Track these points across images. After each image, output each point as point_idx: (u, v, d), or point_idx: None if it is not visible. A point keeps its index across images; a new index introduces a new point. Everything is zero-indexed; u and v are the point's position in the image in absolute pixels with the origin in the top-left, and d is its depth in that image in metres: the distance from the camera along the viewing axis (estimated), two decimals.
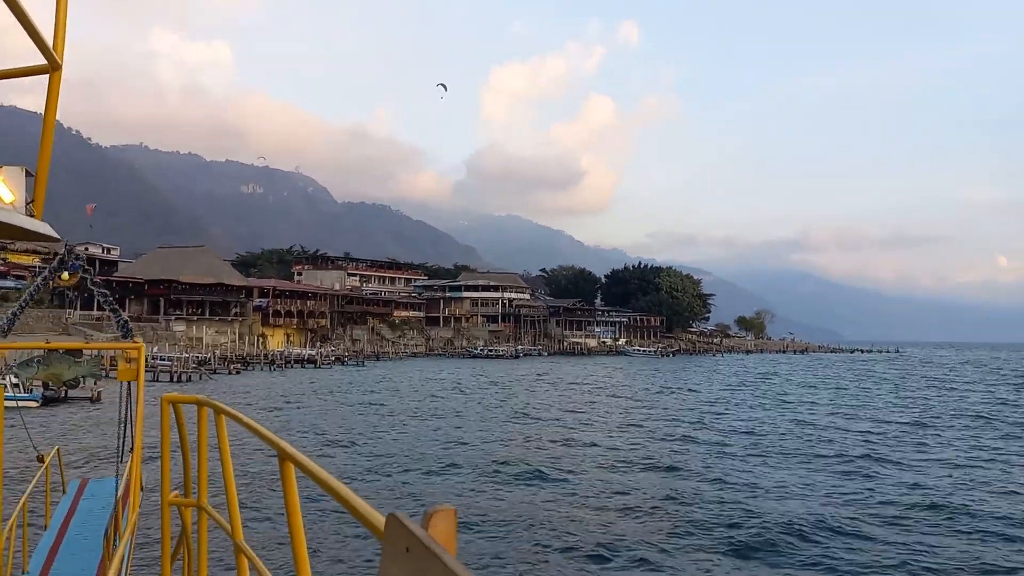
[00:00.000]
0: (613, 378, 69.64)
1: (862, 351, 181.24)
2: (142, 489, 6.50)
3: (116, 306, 8.30)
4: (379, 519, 1.37)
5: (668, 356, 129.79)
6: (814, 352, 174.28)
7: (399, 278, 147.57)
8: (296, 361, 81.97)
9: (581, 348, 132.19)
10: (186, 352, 69.35)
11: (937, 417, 38.22)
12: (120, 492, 6.23)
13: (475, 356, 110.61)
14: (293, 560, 2.30)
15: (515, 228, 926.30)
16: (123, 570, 5.10)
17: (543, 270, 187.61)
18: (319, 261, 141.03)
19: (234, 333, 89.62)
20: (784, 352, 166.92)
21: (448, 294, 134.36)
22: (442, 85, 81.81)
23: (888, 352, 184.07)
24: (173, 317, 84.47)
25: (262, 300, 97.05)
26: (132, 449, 6.45)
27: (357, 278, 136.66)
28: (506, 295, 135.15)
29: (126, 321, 8.30)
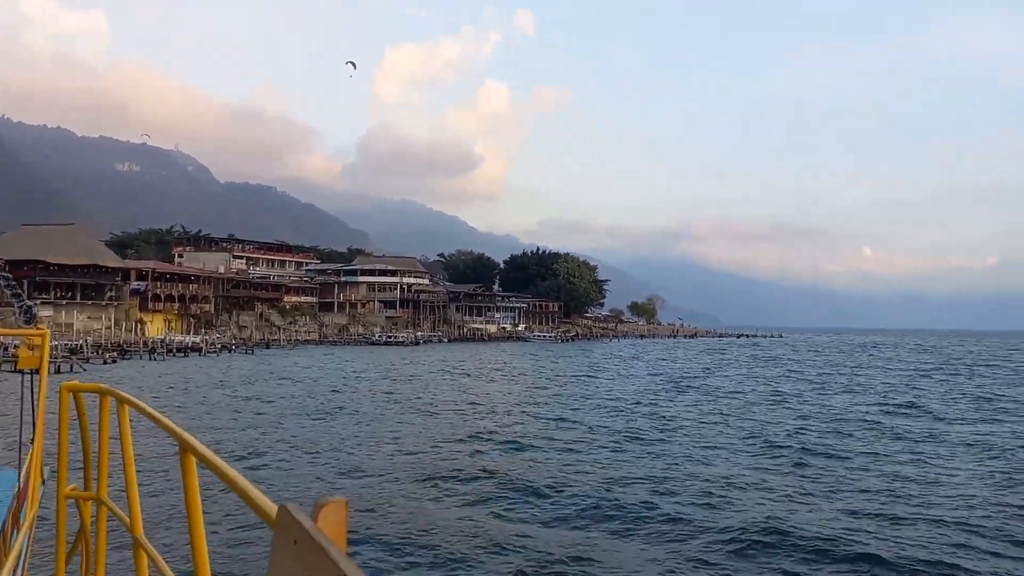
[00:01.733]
0: (519, 364, 68.05)
1: (747, 336, 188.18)
2: (43, 482, 6.20)
3: (19, 291, 5.88)
4: (274, 511, 1.33)
5: (567, 341, 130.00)
6: (702, 337, 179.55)
7: (290, 261, 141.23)
8: (179, 349, 76.09)
9: (481, 334, 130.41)
10: (54, 339, 62.78)
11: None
12: (19, 486, 5.79)
13: (373, 343, 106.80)
14: (191, 554, 2.26)
15: (409, 213, 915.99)
16: (19, 567, 4.64)
17: (441, 255, 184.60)
18: (202, 242, 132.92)
19: (109, 319, 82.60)
20: (675, 337, 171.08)
21: (343, 278, 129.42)
22: (351, 63, 77.24)
23: (772, 337, 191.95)
24: (39, 301, 76.67)
25: (140, 283, 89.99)
26: (33, 440, 5.99)
27: (244, 261, 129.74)
28: (405, 280, 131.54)
29: (30, 307, 6.00)
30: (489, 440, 24.04)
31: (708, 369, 64.09)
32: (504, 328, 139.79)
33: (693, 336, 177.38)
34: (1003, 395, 41.86)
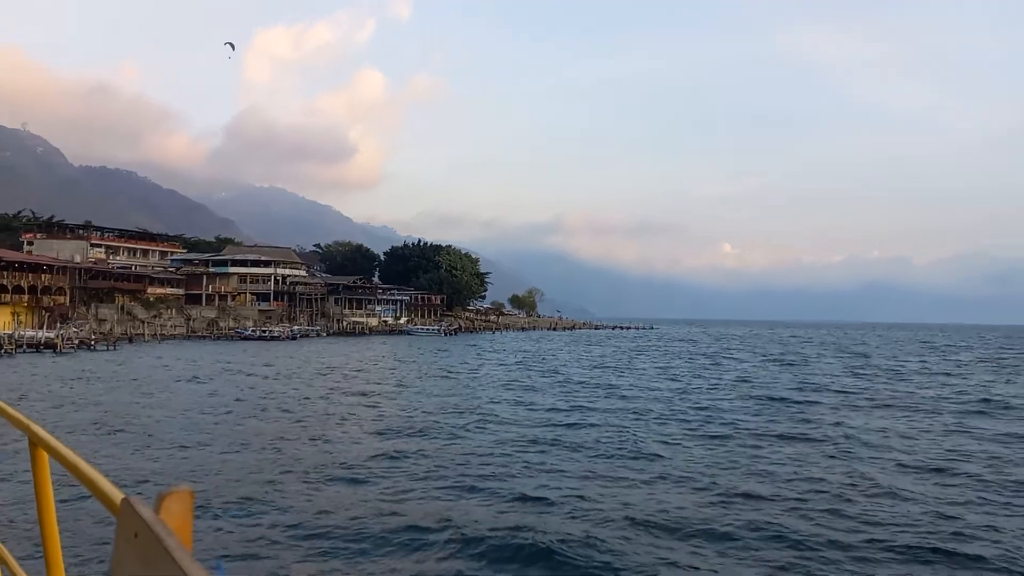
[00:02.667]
0: (411, 357, 65.73)
1: (622, 327, 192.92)
2: None
3: None
4: (119, 502, 1.29)
5: (451, 334, 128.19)
6: (580, 329, 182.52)
7: (153, 250, 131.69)
8: (30, 345, 68.67)
9: (362, 328, 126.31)
10: None
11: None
12: None
13: (246, 338, 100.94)
14: (43, 552, 2.16)
15: (279, 201, 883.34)
16: None
17: (318, 246, 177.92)
18: (55, 229, 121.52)
19: None
20: (555, 329, 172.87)
21: (212, 269, 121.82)
22: (230, 44, 71.32)
23: (643, 328, 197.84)
24: None
25: None
26: None
27: (103, 249, 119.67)
28: (279, 271, 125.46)
29: None
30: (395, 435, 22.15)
31: (660, 368, 64.12)
32: (386, 321, 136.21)
33: (572, 328, 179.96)
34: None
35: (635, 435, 24.32)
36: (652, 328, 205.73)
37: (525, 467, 19.15)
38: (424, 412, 29.89)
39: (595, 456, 20.74)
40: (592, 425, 26.59)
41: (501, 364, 60.01)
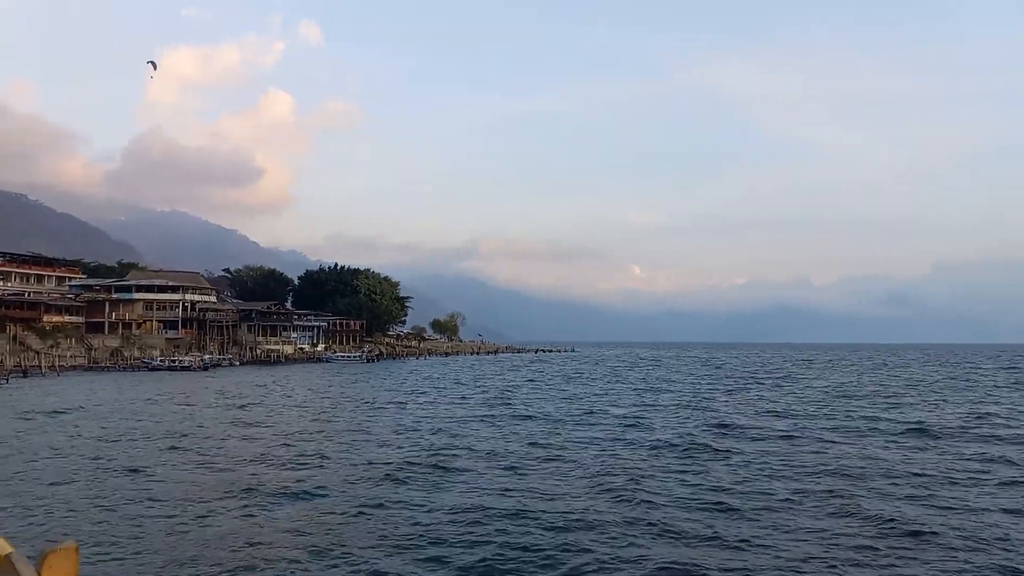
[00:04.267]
0: (339, 390, 62.01)
1: (545, 351, 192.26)
2: None
3: None
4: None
5: (373, 361, 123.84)
6: (503, 352, 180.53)
7: (50, 276, 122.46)
8: None
9: (278, 356, 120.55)
10: None
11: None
12: None
13: (155, 369, 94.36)
14: None
15: (181, 224, 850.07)
16: None
17: (227, 270, 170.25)
18: None
19: None
20: (477, 353, 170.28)
21: (115, 295, 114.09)
22: (151, 63, 66.15)
23: (566, 351, 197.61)
24: None
25: None
26: None
27: None
28: (188, 297, 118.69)
29: None
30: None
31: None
32: (302, 348, 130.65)
33: (495, 352, 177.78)
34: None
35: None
36: (573, 350, 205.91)
37: None
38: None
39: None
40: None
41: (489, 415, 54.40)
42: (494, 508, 17.48)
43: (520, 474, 21.83)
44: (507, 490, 19.56)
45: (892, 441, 28.83)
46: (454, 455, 25.29)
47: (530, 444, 27.35)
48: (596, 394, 54.18)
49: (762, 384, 66.36)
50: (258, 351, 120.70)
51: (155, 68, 66.21)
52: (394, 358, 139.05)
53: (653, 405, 44.92)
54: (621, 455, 25.28)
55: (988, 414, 38.82)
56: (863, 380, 72.85)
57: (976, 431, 31.83)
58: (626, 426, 32.99)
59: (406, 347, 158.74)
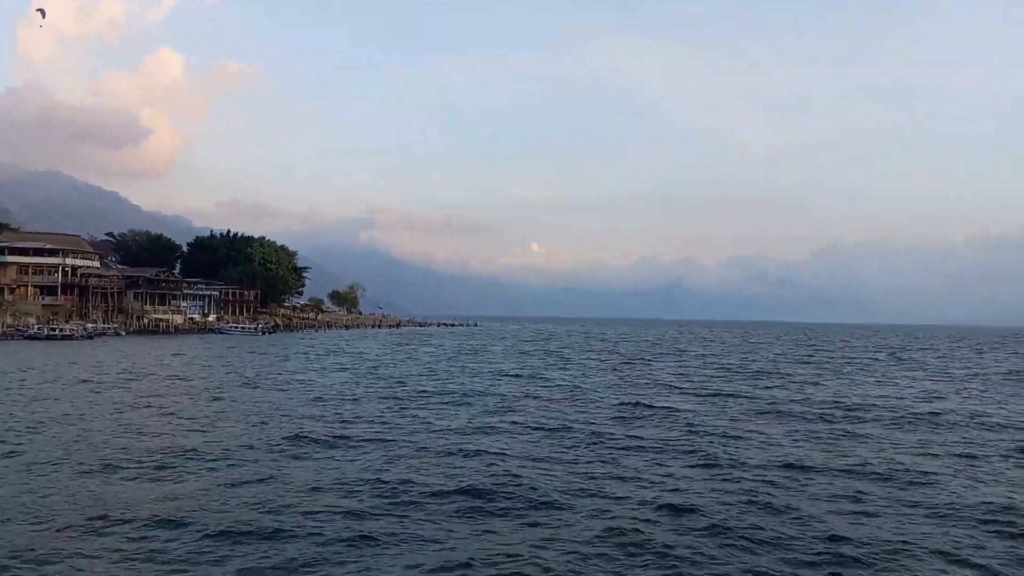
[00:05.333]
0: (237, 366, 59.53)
1: (448, 325, 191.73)
2: None
3: None
4: None
5: (269, 333, 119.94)
6: (405, 326, 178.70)
7: None
8: None
9: (166, 326, 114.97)
10: None
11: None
12: None
13: (32, 337, 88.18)
14: None
15: (58, 186, 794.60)
16: None
17: (110, 234, 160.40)
18: None
19: None
20: (379, 327, 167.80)
21: None
22: (40, 11, 60.46)
23: (468, 325, 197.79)
24: None
25: None
26: None
27: None
28: (69, 261, 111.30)
29: None
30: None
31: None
32: (192, 318, 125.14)
33: (397, 326, 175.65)
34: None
35: None
36: (476, 325, 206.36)
37: None
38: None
39: None
40: None
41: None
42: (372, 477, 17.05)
43: (400, 447, 21.30)
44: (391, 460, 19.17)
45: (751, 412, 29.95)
46: (349, 427, 24.61)
47: (424, 423, 26.52)
48: (491, 371, 54.36)
49: (655, 359, 68.18)
50: (146, 320, 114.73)
51: (43, 16, 60.82)
52: (291, 330, 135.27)
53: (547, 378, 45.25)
54: (494, 428, 25.26)
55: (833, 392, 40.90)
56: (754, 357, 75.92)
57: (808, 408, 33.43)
58: (504, 408, 31.99)
59: (303, 319, 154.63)
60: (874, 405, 33.16)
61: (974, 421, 27.52)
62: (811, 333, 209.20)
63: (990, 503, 15.19)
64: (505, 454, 19.94)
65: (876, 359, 73.20)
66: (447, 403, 31.14)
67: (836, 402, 33.26)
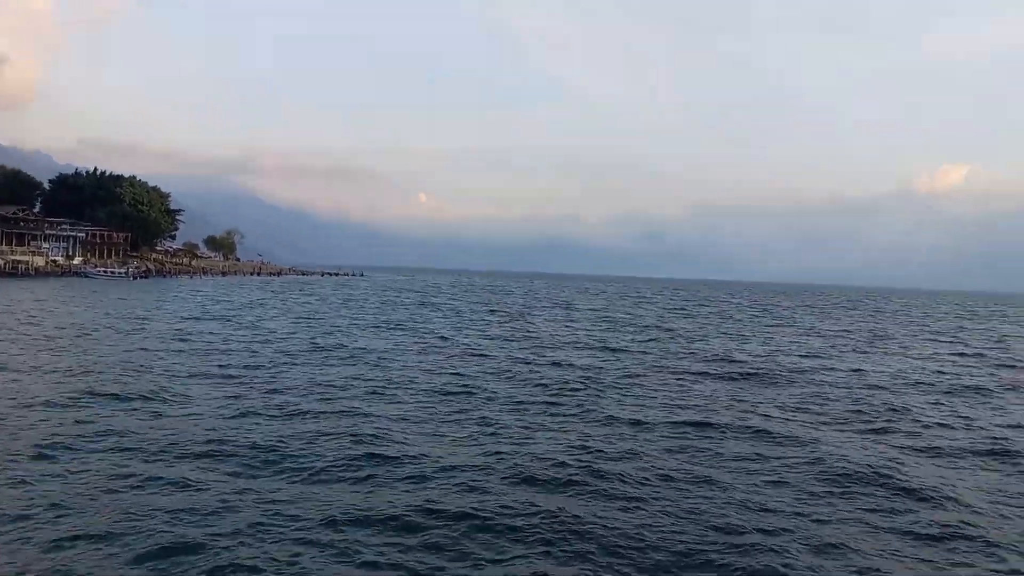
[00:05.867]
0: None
1: (332, 274, 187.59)
2: None
3: None
4: None
5: (141, 278, 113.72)
6: (287, 275, 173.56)
7: None
8: None
9: (26, 268, 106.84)
10: None
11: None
12: None
13: None
14: None
15: None
16: None
17: None
18: None
19: None
20: (258, 274, 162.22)
21: None
22: None
23: (353, 276, 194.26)
24: None
25: None
26: None
27: None
28: None
29: None
30: None
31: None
32: (56, 261, 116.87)
33: (278, 274, 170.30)
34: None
35: None
36: (362, 275, 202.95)
37: None
38: None
39: None
40: None
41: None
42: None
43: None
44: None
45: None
46: (212, 381, 23.82)
47: (304, 380, 26.04)
48: (377, 323, 54.01)
49: (542, 312, 69.55)
50: (1, 262, 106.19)
51: None
52: (164, 275, 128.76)
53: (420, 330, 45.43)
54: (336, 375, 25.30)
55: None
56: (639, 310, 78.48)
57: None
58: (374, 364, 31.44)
59: (177, 264, 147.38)
60: (759, 360, 35.15)
61: (855, 378, 29.32)
62: (686, 288, 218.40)
63: (874, 462, 15.82)
64: (387, 415, 18.79)
65: (752, 315, 77.40)
66: (330, 359, 29.67)
67: (724, 358, 34.46)
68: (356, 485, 12.93)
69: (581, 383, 24.82)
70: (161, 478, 12.73)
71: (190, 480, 12.67)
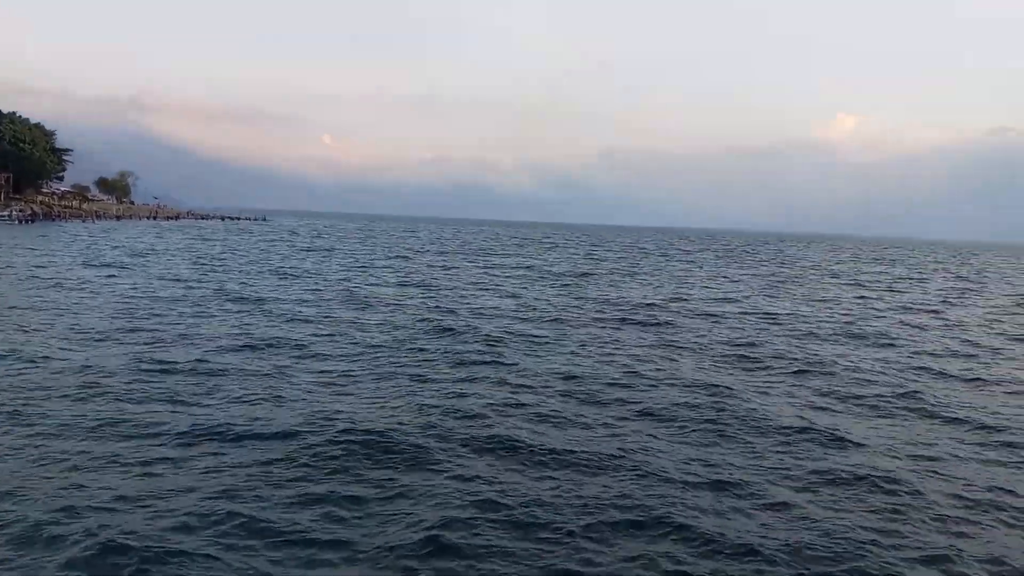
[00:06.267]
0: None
1: (234, 219, 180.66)
2: None
3: None
4: None
5: (27, 223, 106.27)
6: (185, 219, 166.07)
7: None
8: None
9: None
10: None
11: None
12: None
13: None
14: None
15: None
16: None
17: None
18: None
19: None
20: (155, 218, 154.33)
21: None
22: None
23: (256, 220, 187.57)
24: None
25: None
26: None
27: None
28: None
29: None
30: None
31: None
32: None
33: (176, 218, 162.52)
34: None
35: None
36: (264, 219, 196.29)
37: None
38: None
39: None
40: None
41: None
42: None
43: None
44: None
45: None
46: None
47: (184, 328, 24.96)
48: (278, 270, 52.35)
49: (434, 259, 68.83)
50: None
51: None
52: (52, 219, 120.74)
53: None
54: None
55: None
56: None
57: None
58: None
59: (67, 207, 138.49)
60: (678, 303, 35.69)
61: (767, 322, 30.07)
62: (596, 235, 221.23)
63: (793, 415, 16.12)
64: (306, 370, 17.77)
65: (662, 260, 78.85)
66: (230, 310, 27.91)
67: (642, 303, 34.73)
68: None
69: (502, 334, 23.89)
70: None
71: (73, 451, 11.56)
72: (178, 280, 37.47)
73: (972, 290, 53.81)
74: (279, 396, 14.94)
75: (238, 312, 26.93)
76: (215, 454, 11.41)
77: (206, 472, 10.57)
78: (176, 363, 17.58)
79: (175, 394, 14.78)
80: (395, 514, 9.44)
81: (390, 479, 10.64)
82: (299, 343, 20.85)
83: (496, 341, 22.55)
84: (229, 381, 16.14)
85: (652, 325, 27.73)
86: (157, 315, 25.11)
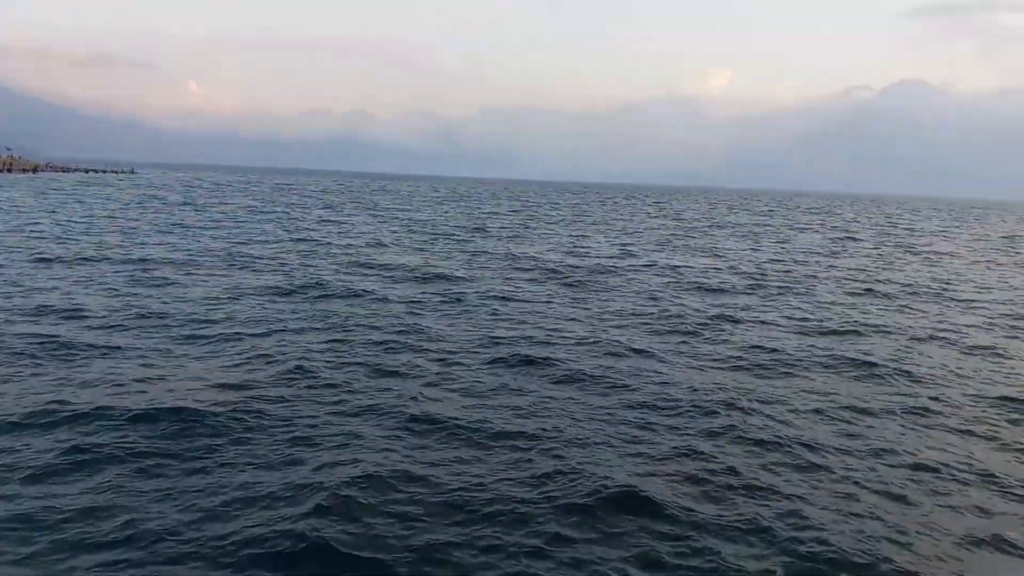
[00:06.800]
0: None
1: (99, 171, 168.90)
2: None
3: None
4: None
5: None
6: (43, 172, 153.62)
7: None
8: None
9: None
10: None
11: None
12: None
13: None
14: None
15: None
16: None
17: None
18: None
19: None
20: (10, 171, 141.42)
21: None
22: None
23: (123, 172, 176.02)
24: None
25: None
26: None
27: None
28: None
29: None
30: None
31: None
32: None
33: (34, 171, 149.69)
34: None
35: None
36: (132, 172, 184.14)
37: None
38: None
39: None
40: None
41: None
42: None
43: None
44: None
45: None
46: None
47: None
48: (159, 227, 49.65)
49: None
50: None
51: None
52: None
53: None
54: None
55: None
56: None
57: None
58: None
59: None
60: (581, 260, 36.09)
61: (665, 275, 30.48)
62: (481, 187, 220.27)
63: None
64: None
65: (559, 215, 78.84)
66: (93, 269, 25.13)
67: (538, 259, 33.78)
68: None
69: (400, 301, 21.67)
70: None
71: None
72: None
73: (852, 238, 58.00)
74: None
75: (92, 271, 24.64)
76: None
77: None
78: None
79: None
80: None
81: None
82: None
83: (400, 308, 20.61)
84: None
85: (564, 282, 26.99)
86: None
